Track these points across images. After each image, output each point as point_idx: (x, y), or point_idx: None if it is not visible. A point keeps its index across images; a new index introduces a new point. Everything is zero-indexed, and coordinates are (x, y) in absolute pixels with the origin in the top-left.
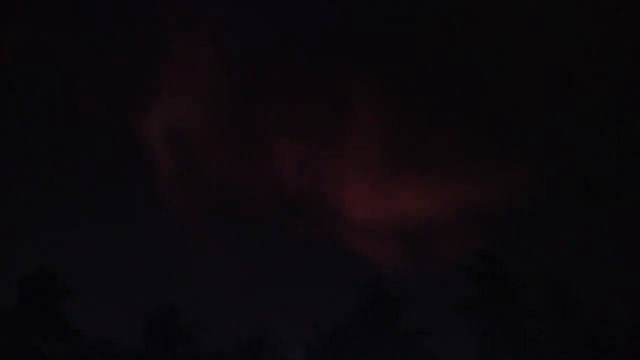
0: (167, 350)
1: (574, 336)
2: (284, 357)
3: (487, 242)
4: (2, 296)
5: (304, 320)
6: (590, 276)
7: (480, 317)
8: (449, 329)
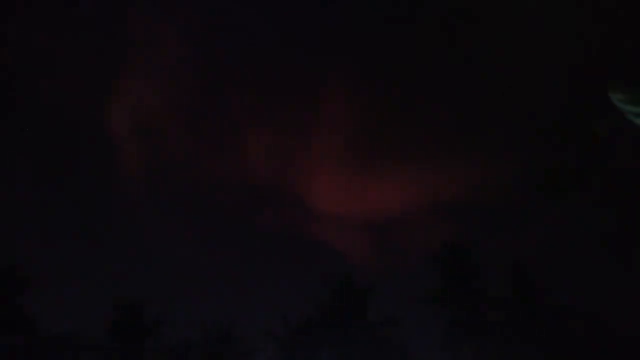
0: (133, 344)
1: (537, 325)
2: (252, 349)
3: (455, 234)
4: None
5: (272, 312)
6: (553, 267)
7: (447, 308)
8: (417, 320)
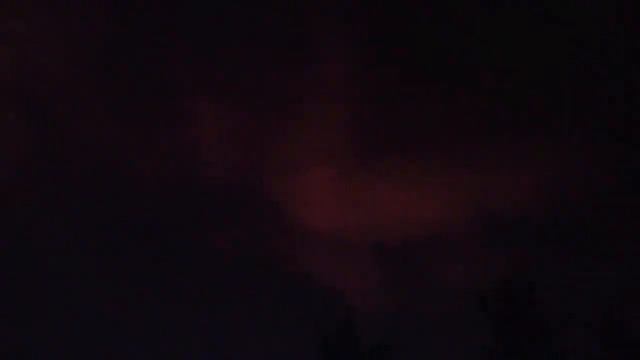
0: None
1: None
2: None
3: (511, 266)
4: None
5: None
6: None
7: None
8: None
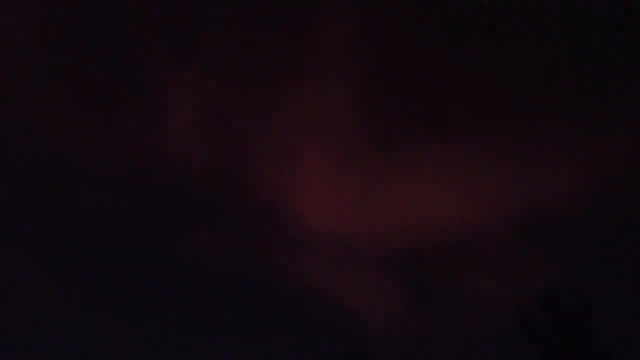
0: None
1: None
2: None
3: (553, 272)
4: None
5: None
6: None
7: None
8: None
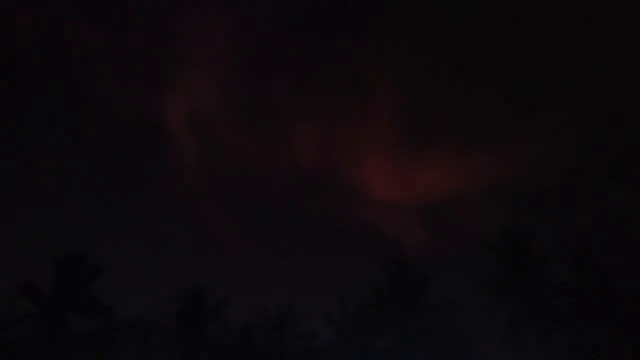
0: (198, 328)
1: (603, 310)
2: (311, 332)
3: (513, 218)
4: (39, 278)
5: (329, 297)
6: (619, 249)
7: (506, 295)
8: (476, 307)
